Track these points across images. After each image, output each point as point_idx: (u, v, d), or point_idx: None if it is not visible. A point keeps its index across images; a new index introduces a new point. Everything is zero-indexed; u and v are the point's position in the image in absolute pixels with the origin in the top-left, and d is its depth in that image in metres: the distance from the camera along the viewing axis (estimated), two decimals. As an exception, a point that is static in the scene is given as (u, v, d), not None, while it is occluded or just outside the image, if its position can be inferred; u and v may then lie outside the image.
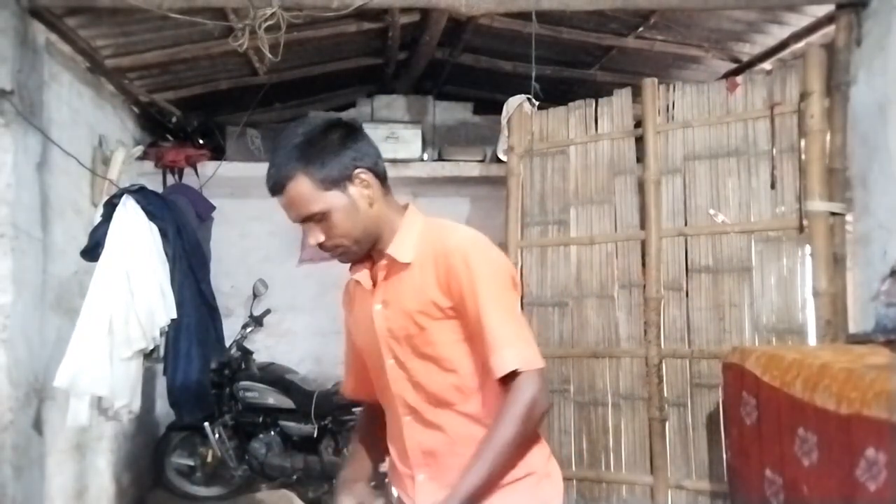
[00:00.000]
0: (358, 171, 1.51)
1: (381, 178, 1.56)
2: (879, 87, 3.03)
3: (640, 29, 4.12)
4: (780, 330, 3.22)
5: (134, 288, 3.23)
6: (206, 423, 4.58)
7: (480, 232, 1.57)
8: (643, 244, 3.56)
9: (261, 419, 4.70)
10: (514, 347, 1.44)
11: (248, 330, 4.99)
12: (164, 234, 3.48)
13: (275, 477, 4.64)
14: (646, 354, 3.49)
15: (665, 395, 3.44)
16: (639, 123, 3.66)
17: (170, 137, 4.85)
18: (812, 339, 3.13)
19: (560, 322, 3.77)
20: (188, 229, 3.72)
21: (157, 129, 4.86)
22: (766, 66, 3.94)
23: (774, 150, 3.28)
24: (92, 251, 3.32)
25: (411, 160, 4.93)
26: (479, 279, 1.46)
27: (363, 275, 1.61)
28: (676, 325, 3.46)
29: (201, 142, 4.91)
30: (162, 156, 4.70)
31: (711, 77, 4.30)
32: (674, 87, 3.57)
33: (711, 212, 3.42)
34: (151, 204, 3.45)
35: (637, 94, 3.68)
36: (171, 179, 4.77)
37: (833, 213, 3.14)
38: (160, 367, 3.86)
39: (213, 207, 4.51)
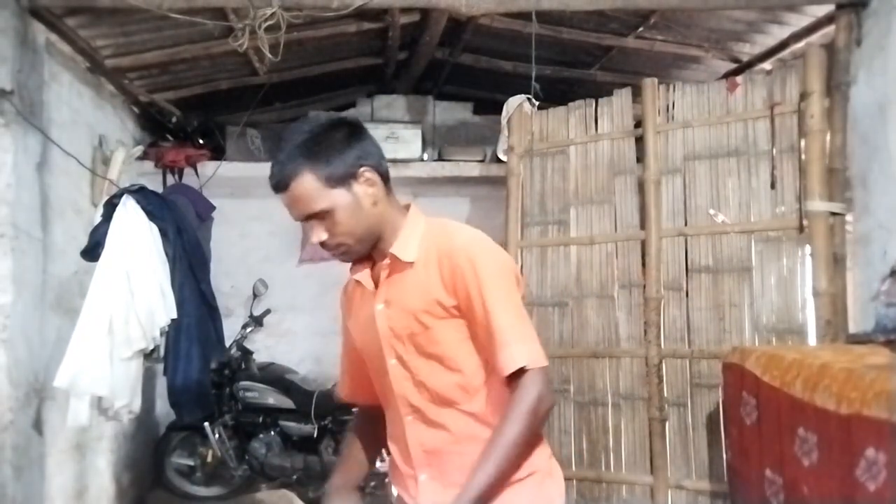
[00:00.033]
0: (363, 169, 1.51)
1: (385, 177, 1.56)
2: (879, 87, 3.03)
3: (640, 29, 4.12)
4: (780, 330, 3.22)
5: (134, 288, 3.23)
6: (206, 423, 4.58)
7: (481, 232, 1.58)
8: (643, 244, 3.56)
9: (261, 419, 4.70)
10: (522, 345, 1.45)
11: (248, 330, 4.99)
12: (164, 234, 3.49)
13: (275, 477, 4.64)
14: (646, 354, 3.49)
15: (665, 395, 3.44)
16: (639, 123, 3.66)
17: (170, 137, 4.85)
18: (812, 339, 3.13)
19: (560, 322, 3.77)
20: (188, 229, 3.72)
21: (157, 129, 4.86)
22: (766, 66, 3.94)
23: (774, 150, 3.28)
24: (92, 251, 3.32)
25: (411, 160, 4.93)
26: (486, 278, 1.47)
27: (364, 275, 1.62)
28: (676, 325, 3.46)
29: (201, 142, 4.91)
30: (162, 156, 4.70)
31: (711, 77, 4.30)
32: (674, 87, 3.57)
33: (711, 212, 3.42)
34: (151, 204, 3.45)
35: (637, 94, 3.68)
36: (171, 179, 4.77)
37: (833, 213, 3.14)
38: (160, 367, 3.87)
39: (213, 207, 4.51)
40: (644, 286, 3.54)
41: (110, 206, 3.36)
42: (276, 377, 4.82)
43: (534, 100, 3.97)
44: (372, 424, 1.77)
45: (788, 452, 2.31)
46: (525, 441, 1.45)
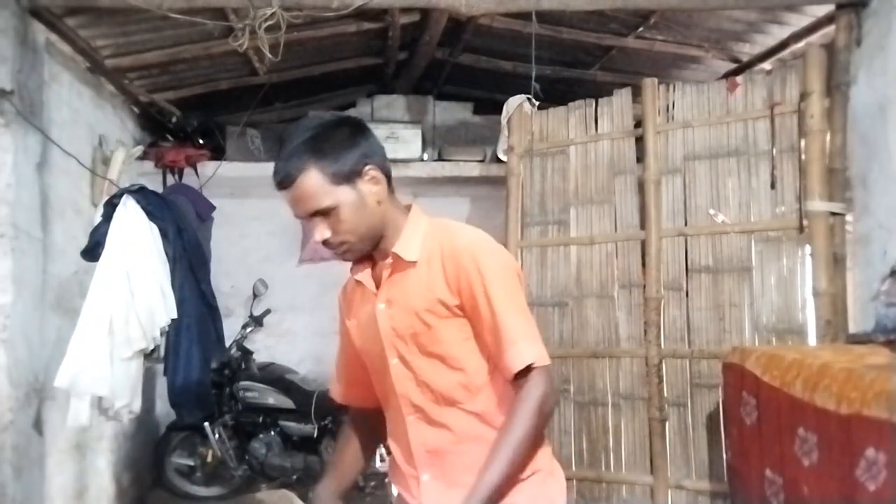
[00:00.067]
0: (368, 168, 1.51)
1: (388, 177, 1.56)
2: (879, 87, 3.03)
3: (640, 29, 4.12)
4: (780, 330, 3.22)
5: (134, 288, 3.23)
6: (206, 423, 4.58)
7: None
8: (643, 244, 3.56)
9: (261, 419, 4.70)
10: (529, 343, 1.46)
11: (248, 330, 4.99)
12: (164, 234, 3.49)
13: (275, 477, 4.64)
14: (646, 354, 3.49)
15: (665, 395, 3.44)
16: (639, 123, 3.66)
17: (170, 137, 4.85)
18: (812, 339, 3.13)
19: (560, 322, 3.77)
20: (188, 229, 3.72)
21: (157, 129, 4.86)
22: (766, 66, 3.94)
23: (774, 150, 3.28)
24: (92, 251, 3.32)
25: (411, 160, 4.93)
26: (490, 278, 1.47)
27: (365, 275, 1.62)
28: (676, 325, 3.46)
29: (201, 142, 4.91)
30: (162, 156, 4.70)
31: (711, 77, 4.30)
32: (674, 87, 3.57)
33: (711, 212, 3.42)
34: (151, 204, 3.45)
35: (637, 94, 3.68)
36: (171, 179, 4.77)
37: (833, 213, 3.14)
38: (160, 367, 3.87)
39: (214, 207, 4.51)
40: (644, 286, 3.54)
41: (110, 206, 3.36)
42: (276, 377, 4.82)
43: (534, 100, 3.97)
44: (364, 428, 1.77)
45: (788, 452, 2.31)
46: (533, 438, 1.45)
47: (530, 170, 3.94)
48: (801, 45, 3.66)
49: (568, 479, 1.66)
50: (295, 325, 5.49)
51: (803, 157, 3.19)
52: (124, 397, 3.23)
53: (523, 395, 1.44)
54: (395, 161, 4.76)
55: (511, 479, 1.44)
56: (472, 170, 4.96)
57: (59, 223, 3.48)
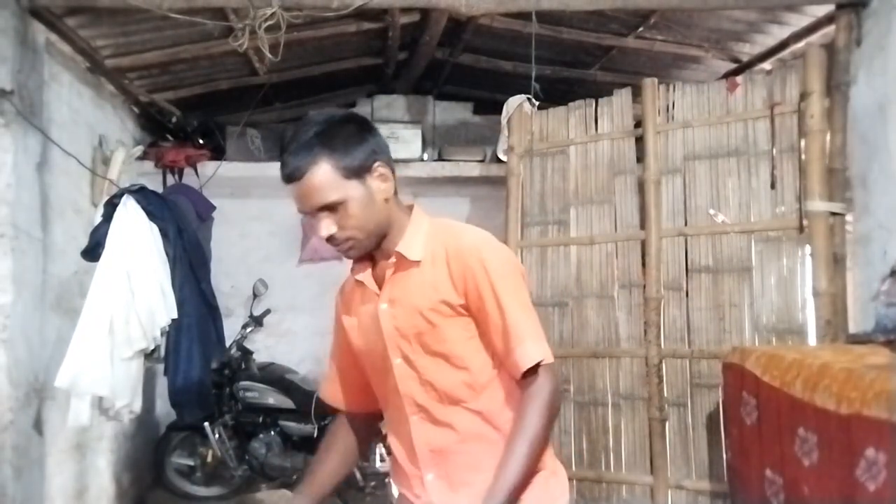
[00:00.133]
0: (377, 164, 1.51)
1: (393, 175, 1.56)
2: (879, 87, 3.03)
3: (640, 29, 4.12)
4: (780, 330, 3.22)
5: (134, 288, 3.23)
6: (206, 423, 4.58)
7: None
8: (643, 244, 3.56)
9: (261, 419, 4.70)
10: (536, 341, 1.47)
11: (248, 330, 4.98)
12: (164, 234, 3.48)
13: (275, 477, 4.64)
14: (646, 354, 3.49)
15: (665, 395, 3.44)
16: (639, 123, 3.66)
17: (170, 137, 4.85)
18: (812, 339, 3.13)
19: (560, 322, 3.78)
20: (189, 229, 3.72)
21: (157, 129, 4.86)
22: (766, 66, 3.94)
23: (774, 150, 3.28)
24: (92, 251, 3.32)
25: (411, 160, 4.93)
26: (497, 277, 1.48)
27: (366, 275, 1.62)
28: (676, 325, 3.46)
29: (201, 142, 4.90)
30: (162, 156, 4.70)
31: (711, 77, 4.30)
32: (674, 87, 3.57)
33: (711, 212, 3.42)
34: (152, 204, 3.45)
35: (637, 94, 3.68)
36: (171, 179, 4.77)
37: (833, 213, 3.14)
38: (161, 367, 3.86)
39: (214, 207, 4.51)
40: (644, 286, 3.54)
41: (110, 206, 3.36)
42: (276, 377, 4.82)
43: (534, 100, 3.97)
44: (351, 432, 1.76)
45: (788, 452, 2.31)
46: (546, 435, 1.46)
47: (530, 170, 3.94)
48: (801, 45, 3.66)
49: (568, 479, 1.65)
50: (295, 325, 5.49)
51: (803, 157, 3.19)
52: (125, 397, 3.23)
53: (533, 393, 1.45)
54: (395, 161, 4.79)
55: (529, 475, 1.44)
56: (472, 170, 4.96)
57: (59, 223, 3.48)
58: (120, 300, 3.18)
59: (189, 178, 4.77)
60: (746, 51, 4.13)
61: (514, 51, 4.62)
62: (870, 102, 3.08)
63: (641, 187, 3.60)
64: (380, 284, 1.59)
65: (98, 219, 3.46)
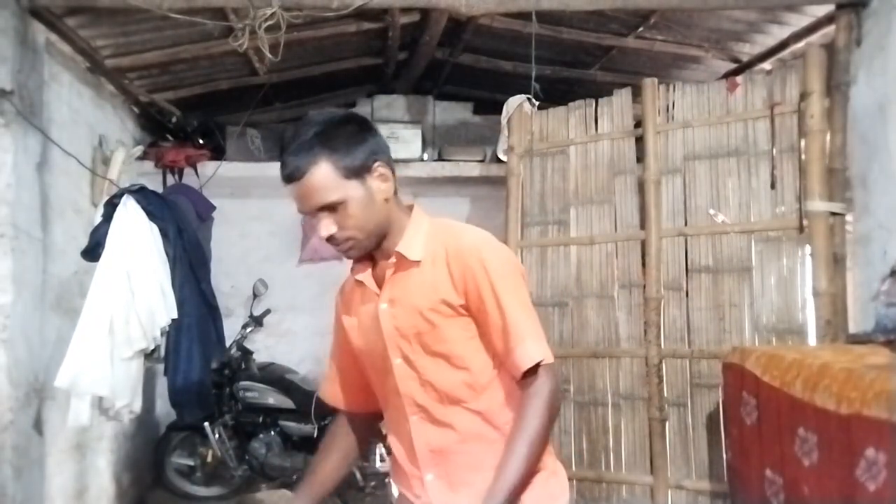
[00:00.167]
0: (377, 164, 1.51)
1: (393, 175, 1.57)
2: (879, 87, 3.03)
3: (640, 29, 4.12)
4: (780, 330, 3.22)
5: (134, 288, 3.23)
6: (206, 423, 4.58)
7: None
8: (643, 244, 3.56)
9: (261, 419, 4.70)
10: (536, 341, 1.47)
11: (248, 330, 4.99)
12: (164, 234, 3.49)
13: (275, 477, 4.63)
14: (646, 354, 3.49)
15: (665, 395, 3.44)
16: (639, 123, 3.66)
17: (170, 137, 4.85)
18: (812, 339, 3.13)
19: (560, 322, 3.78)
20: (189, 229, 3.72)
21: (157, 129, 4.86)
22: (766, 66, 3.94)
23: (774, 150, 3.28)
24: (92, 251, 3.32)
25: (411, 160, 4.93)
26: (497, 277, 1.48)
27: (366, 275, 1.62)
28: (676, 325, 3.46)
29: (201, 142, 4.90)
30: (162, 156, 4.70)
31: (711, 77, 4.30)
32: (674, 87, 3.57)
33: (711, 212, 3.42)
34: (152, 204, 3.45)
35: (637, 94, 3.68)
36: (171, 179, 4.77)
37: (833, 213, 3.14)
38: (161, 367, 3.87)
39: (214, 207, 4.51)
40: (644, 286, 3.54)
41: (110, 206, 3.36)
42: (276, 377, 4.82)
43: (534, 100, 3.97)
44: (351, 432, 1.77)
45: (788, 452, 2.31)
46: (547, 434, 1.46)
47: (530, 170, 3.94)
48: (801, 45, 3.66)
49: (568, 479, 1.66)
50: (295, 325, 5.49)
51: (803, 157, 3.19)
52: (125, 397, 3.23)
53: (533, 392, 1.45)
54: (395, 161, 4.79)
55: (529, 475, 1.44)
56: (472, 170, 4.96)
57: (59, 223, 3.48)
58: (120, 300, 3.18)
59: (189, 178, 4.77)
60: (746, 51, 4.13)
61: (514, 51, 4.62)
62: (870, 102, 3.08)
63: (641, 187, 3.60)
64: (380, 284, 1.59)
65: (98, 219, 3.46)
